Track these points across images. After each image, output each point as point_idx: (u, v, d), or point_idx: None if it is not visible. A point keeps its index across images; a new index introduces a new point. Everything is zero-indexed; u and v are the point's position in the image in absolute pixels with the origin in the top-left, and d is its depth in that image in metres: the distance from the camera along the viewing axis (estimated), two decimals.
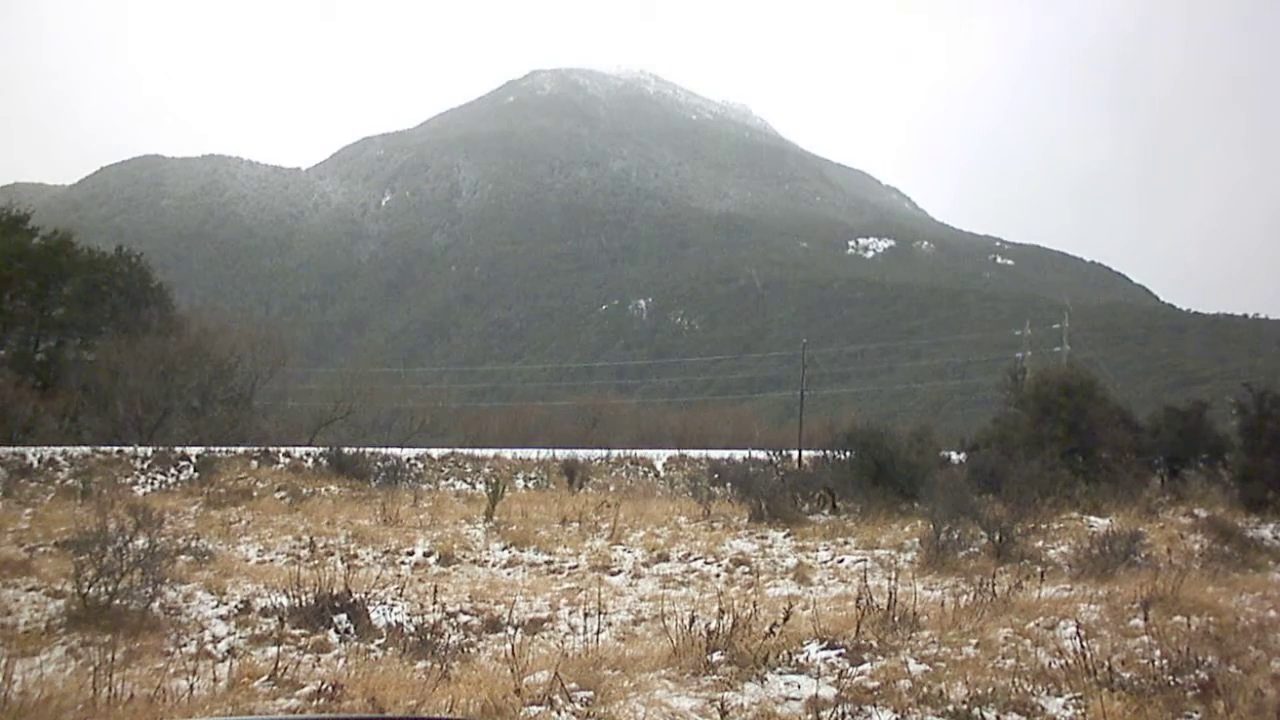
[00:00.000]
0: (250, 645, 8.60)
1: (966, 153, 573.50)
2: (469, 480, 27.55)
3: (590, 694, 5.94)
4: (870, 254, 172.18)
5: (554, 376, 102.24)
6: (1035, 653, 7.17)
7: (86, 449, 24.48)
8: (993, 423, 26.77)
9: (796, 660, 6.89)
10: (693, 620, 7.24)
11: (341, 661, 7.71)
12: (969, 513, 14.74)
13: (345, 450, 27.11)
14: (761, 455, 25.78)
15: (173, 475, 23.41)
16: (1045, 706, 5.91)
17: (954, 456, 25.86)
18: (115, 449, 24.78)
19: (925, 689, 6.18)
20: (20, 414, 28.07)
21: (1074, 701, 5.98)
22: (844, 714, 5.66)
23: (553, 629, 9.58)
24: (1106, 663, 6.47)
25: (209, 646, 8.53)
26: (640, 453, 34.88)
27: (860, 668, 6.75)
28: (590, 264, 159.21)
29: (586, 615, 9.11)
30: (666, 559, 14.50)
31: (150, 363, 30.58)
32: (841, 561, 14.29)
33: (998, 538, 14.03)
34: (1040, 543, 14.76)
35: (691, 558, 14.53)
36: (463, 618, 9.91)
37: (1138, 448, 23.55)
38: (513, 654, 6.91)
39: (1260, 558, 14.18)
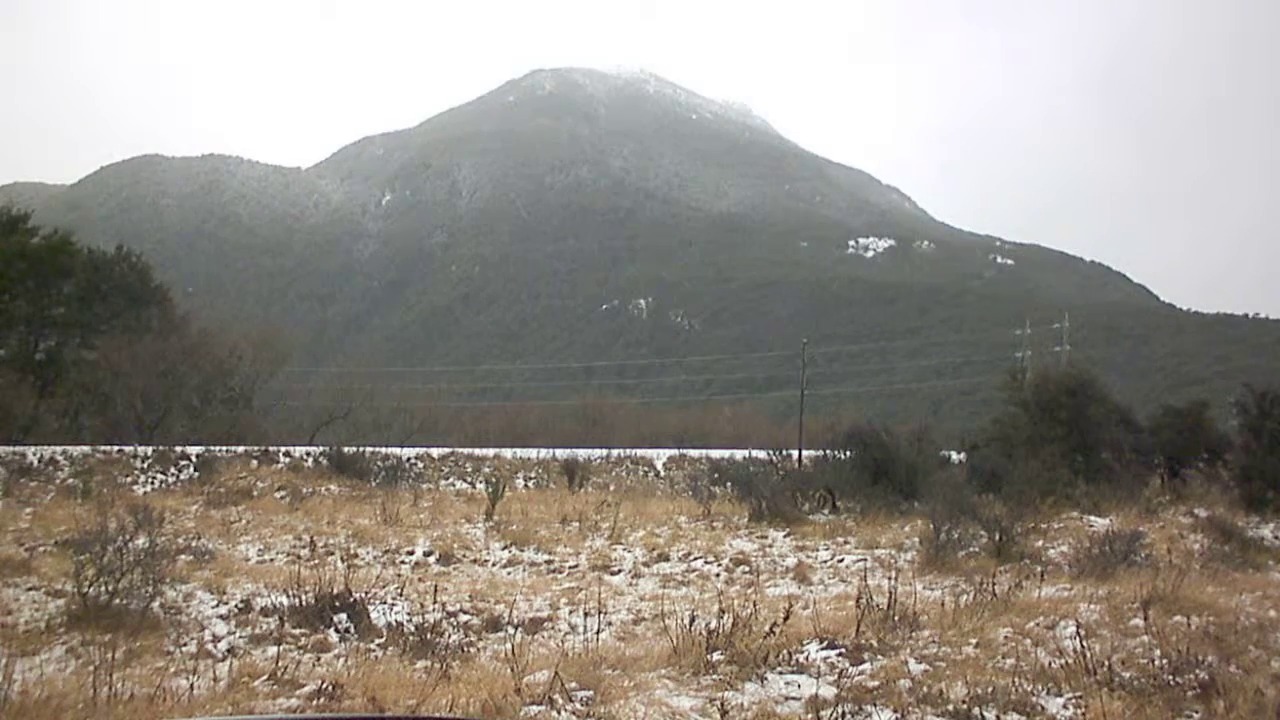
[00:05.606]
0: (250, 645, 8.60)
1: (967, 152, 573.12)
2: (469, 480, 27.54)
3: (590, 693, 5.94)
4: (870, 254, 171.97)
5: (554, 376, 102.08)
6: (1035, 652, 7.17)
7: (86, 448, 24.49)
8: (993, 423, 26.81)
9: (796, 660, 6.89)
10: (693, 620, 7.24)
11: (342, 661, 7.71)
12: (969, 512, 14.75)
13: (345, 450, 27.11)
14: (761, 455, 25.77)
15: (173, 475, 23.41)
16: (1045, 706, 5.91)
17: (954, 456, 25.89)
18: (115, 448, 24.79)
19: (925, 688, 6.18)
20: (20, 414, 28.10)
21: (1074, 701, 5.98)
22: (844, 713, 5.66)
23: (553, 628, 9.58)
24: (1106, 662, 6.47)
25: (209, 646, 8.54)
26: (640, 452, 34.87)
27: (860, 667, 6.75)
28: (590, 264, 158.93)
29: (586, 615, 9.10)
30: (666, 558, 14.50)
31: (150, 362, 30.55)
32: (841, 561, 14.29)
33: (998, 537, 14.04)
34: (1040, 542, 14.77)
35: (691, 557, 14.52)
36: (463, 617, 9.92)
37: (1138, 448, 23.57)
38: (513, 653, 6.91)
39: (1260, 557, 14.21)
